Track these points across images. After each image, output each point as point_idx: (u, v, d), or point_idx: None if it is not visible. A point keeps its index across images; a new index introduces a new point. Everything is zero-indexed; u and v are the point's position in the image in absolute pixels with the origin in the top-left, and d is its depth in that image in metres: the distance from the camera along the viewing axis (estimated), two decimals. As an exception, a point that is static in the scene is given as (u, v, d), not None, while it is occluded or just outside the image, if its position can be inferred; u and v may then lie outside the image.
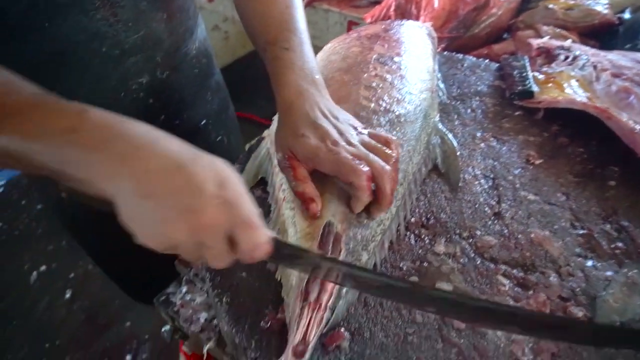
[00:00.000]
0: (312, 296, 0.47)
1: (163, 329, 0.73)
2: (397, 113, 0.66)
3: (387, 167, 0.51)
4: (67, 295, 1.72)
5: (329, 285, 0.47)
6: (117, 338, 1.57)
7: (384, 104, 0.66)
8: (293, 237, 0.53)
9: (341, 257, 0.50)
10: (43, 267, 1.83)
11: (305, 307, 0.46)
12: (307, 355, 0.43)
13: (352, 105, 0.65)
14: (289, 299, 0.49)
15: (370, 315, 0.51)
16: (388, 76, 0.71)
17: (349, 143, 0.52)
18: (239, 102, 1.43)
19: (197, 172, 0.36)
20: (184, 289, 0.71)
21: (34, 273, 1.80)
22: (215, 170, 0.38)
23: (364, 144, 0.53)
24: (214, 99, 0.84)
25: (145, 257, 0.87)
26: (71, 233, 0.87)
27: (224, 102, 0.89)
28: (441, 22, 1.04)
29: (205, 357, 0.69)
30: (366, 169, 0.50)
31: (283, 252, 0.41)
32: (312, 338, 0.44)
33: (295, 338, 0.44)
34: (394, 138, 0.55)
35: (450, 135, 0.71)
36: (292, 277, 0.49)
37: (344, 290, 0.49)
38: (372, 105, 0.66)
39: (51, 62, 0.58)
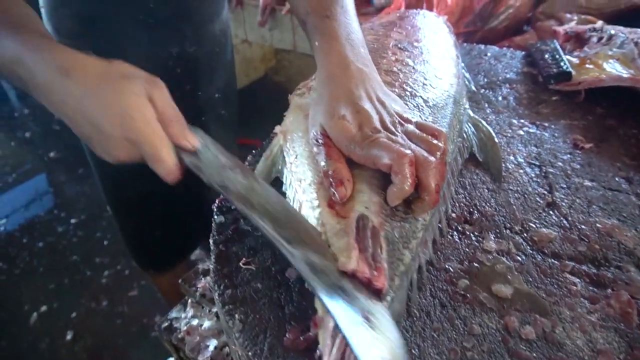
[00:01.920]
0: None
1: (167, 363, 0.63)
2: (424, 97, 0.58)
3: (432, 158, 0.43)
4: (69, 337, 1.62)
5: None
6: (121, 379, 1.46)
7: (408, 88, 0.59)
8: (322, 238, 0.43)
9: (383, 256, 0.41)
10: (44, 308, 1.74)
11: None
12: None
13: (372, 91, 0.57)
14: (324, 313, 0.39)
15: (416, 328, 0.42)
16: (409, 61, 0.64)
17: (391, 132, 0.45)
18: (244, 129, 1.37)
19: (102, 116, 0.42)
20: (190, 313, 0.61)
21: (34, 314, 1.71)
22: (119, 111, 0.41)
23: (407, 134, 0.46)
24: (224, 75, 0.90)
25: (161, 225, 0.91)
26: (102, 183, 0.93)
27: (231, 77, 0.96)
28: (456, 17, 0.98)
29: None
30: (409, 151, 0.42)
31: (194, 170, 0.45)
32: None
33: (330, 357, 0.35)
34: (444, 130, 0.47)
35: (484, 122, 0.63)
36: None
37: (389, 297, 0.40)
38: (396, 90, 0.58)
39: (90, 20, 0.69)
